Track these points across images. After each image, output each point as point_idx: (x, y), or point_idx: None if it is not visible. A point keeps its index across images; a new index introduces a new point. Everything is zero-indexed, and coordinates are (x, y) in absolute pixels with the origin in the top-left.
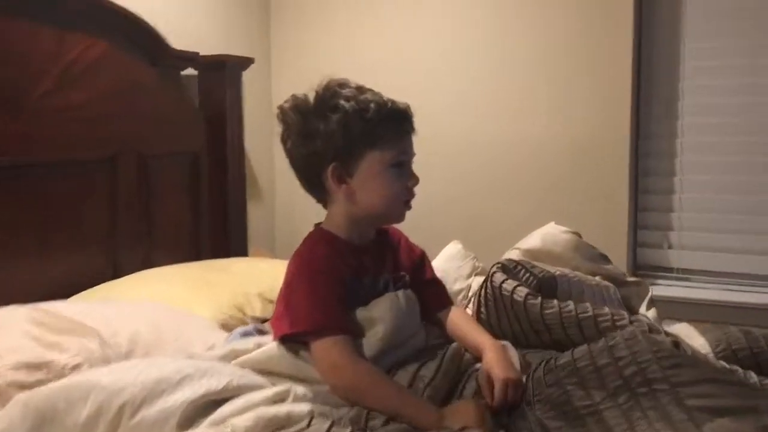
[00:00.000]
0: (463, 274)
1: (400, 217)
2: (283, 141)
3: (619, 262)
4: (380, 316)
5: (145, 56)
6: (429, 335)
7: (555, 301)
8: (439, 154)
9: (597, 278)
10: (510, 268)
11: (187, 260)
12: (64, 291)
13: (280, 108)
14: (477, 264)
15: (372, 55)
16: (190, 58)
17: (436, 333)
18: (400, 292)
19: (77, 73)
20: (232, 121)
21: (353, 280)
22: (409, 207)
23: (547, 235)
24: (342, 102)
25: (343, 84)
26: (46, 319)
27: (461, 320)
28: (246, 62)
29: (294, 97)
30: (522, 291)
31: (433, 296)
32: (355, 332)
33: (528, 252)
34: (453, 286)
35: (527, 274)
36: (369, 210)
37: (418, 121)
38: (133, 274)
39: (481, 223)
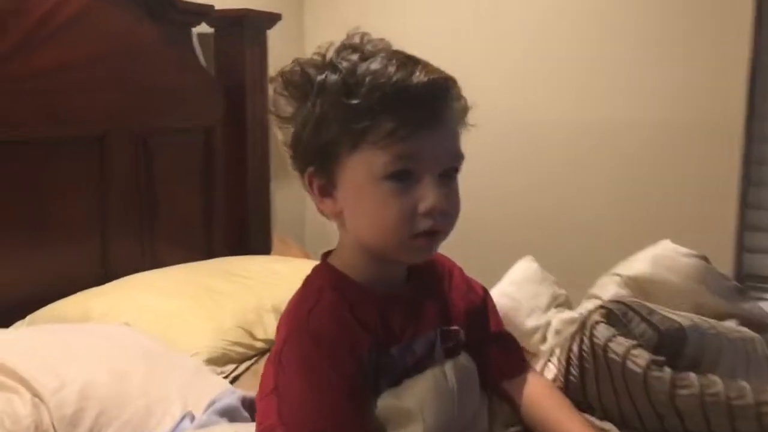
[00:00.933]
0: (540, 305)
1: (409, 258)
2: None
3: (721, 270)
4: (417, 406)
5: (143, 9)
6: (494, 421)
7: (692, 376)
8: (490, 139)
9: (733, 324)
10: (618, 316)
11: (196, 257)
12: (52, 290)
13: (272, 78)
14: (558, 291)
15: (424, 13)
16: (202, 13)
17: (506, 414)
18: (449, 365)
19: (49, 32)
20: (253, 90)
21: (378, 354)
22: (429, 246)
23: (660, 258)
24: (327, 74)
25: (357, 43)
26: None
27: (545, 397)
28: (272, 19)
29: (295, 60)
30: (641, 358)
31: (500, 358)
32: None
33: (633, 282)
34: (525, 321)
35: (643, 325)
36: (361, 241)
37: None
38: (123, 279)
39: (549, 228)
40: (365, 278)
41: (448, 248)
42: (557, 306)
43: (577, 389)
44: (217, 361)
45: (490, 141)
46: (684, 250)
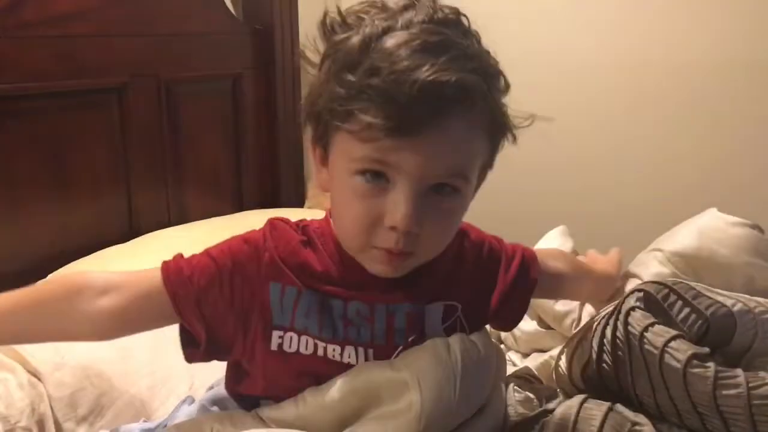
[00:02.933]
0: None
1: (368, 266)
2: None
3: None
4: (413, 376)
5: None
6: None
7: (740, 374)
8: (523, 78)
9: None
10: (657, 300)
11: (225, 209)
12: (78, 246)
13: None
14: None
15: None
16: None
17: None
18: (456, 339)
19: None
20: (282, 32)
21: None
22: (389, 262)
23: (706, 229)
24: (349, 35)
25: (403, 5)
26: None
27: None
28: None
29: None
30: (681, 351)
31: None
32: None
33: (678, 257)
34: (555, 305)
35: (686, 309)
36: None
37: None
38: (144, 237)
39: (585, 193)
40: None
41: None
42: None
43: (611, 378)
44: None
45: (522, 79)
46: (734, 219)
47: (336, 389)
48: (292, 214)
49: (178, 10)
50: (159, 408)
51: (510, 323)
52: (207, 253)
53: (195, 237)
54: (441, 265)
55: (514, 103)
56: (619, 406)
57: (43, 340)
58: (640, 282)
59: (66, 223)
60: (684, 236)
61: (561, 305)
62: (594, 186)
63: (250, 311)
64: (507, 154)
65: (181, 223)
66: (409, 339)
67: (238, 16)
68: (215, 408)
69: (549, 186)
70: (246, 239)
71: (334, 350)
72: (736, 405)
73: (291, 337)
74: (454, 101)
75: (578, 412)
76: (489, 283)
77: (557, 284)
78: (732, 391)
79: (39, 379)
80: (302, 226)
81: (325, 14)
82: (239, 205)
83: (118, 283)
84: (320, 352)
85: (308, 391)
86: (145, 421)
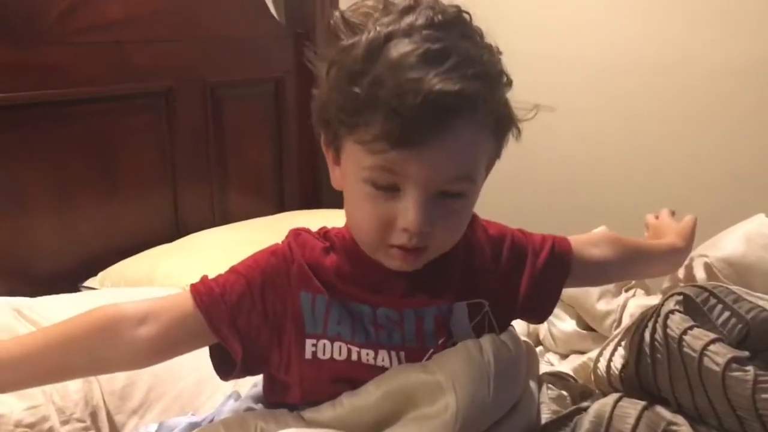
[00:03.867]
0: (610, 288)
1: (385, 263)
2: None
3: None
4: (448, 378)
5: None
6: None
7: None
8: (548, 78)
9: None
10: (697, 304)
11: (267, 210)
12: (125, 245)
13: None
14: None
15: None
16: None
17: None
18: (487, 339)
19: None
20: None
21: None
22: (405, 258)
23: (753, 235)
24: (357, 40)
25: (408, 4)
26: None
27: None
28: None
29: (356, 4)
30: (720, 355)
31: None
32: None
33: (724, 263)
34: (596, 305)
35: (726, 313)
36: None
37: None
38: (190, 237)
39: (622, 193)
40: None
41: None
42: (627, 290)
43: (650, 380)
44: None
45: (577, 84)
46: None
47: (371, 392)
48: (332, 216)
49: (222, 15)
50: (205, 403)
51: (542, 315)
52: (234, 270)
53: (238, 237)
54: (455, 259)
55: (546, 101)
56: (656, 406)
57: (77, 375)
58: (681, 285)
59: (114, 222)
60: (730, 242)
61: (602, 305)
62: (638, 190)
63: (283, 321)
64: (542, 157)
65: (224, 223)
66: (439, 342)
67: (281, 20)
68: (259, 405)
69: (588, 184)
70: (272, 252)
71: (367, 354)
72: None
73: (324, 344)
74: (457, 110)
75: (613, 409)
76: (516, 276)
77: (599, 271)
78: None
79: None
80: (323, 233)
81: (331, 19)
82: (281, 205)
83: (152, 312)
84: (354, 356)
85: (345, 394)
86: (192, 415)
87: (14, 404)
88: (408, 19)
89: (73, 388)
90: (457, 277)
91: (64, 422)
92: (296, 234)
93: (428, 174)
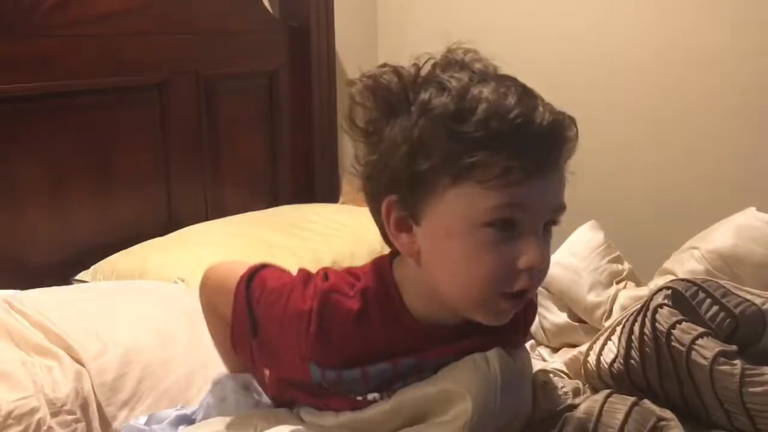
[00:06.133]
0: (602, 280)
1: (488, 319)
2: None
3: None
4: (461, 386)
5: None
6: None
7: (767, 373)
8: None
9: None
10: (686, 298)
11: (261, 204)
12: (118, 238)
13: (351, 82)
14: (621, 267)
15: None
16: None
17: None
18: (493, 353)
19: None
20: (318, 31)
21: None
22: (514, 309)
23: (743, 228)
24: (432, 92)
25: (463, 59)
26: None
27: None
28: None
29: (385, 66)
30: (708, 349)
31: None
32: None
33: (715, 255)
34: (586, 296)
35: (715, 307)
36: (436, 289)
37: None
38: (182, 230)
39: (619, 189)
40: (418, 313)
41: None
42: (618, 281)
43: (639, 374)
44: None
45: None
46: None
47: (377, 412)
48: (326, 209)
49: (216, 8)
50: (196, 395)
51: None
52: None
53: (231, 230)
54: None
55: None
56: (646, 402)
57: None
58: (671, 279)
59: (108, 215)
60: (721, 234)
61: (593, 296)
62: (627, 183)
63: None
64: None
65: (218, 217)
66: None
67: (275, 14)
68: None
69: (580, 182)
70: (293, 315)
71: (374, 397)
72: (763, 402)
73: (331, 389)
74: (567, 138)
75: (602, 405)
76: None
77: None
78: (759, 389)
79: (83, 365)
80: (361, 291)
81: (389, 69)
82: (274, 199)
83: None
84: (360, 398)
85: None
86: (182, 407)
87: (3, 396)
88: (477, 66)
89: (63, 381)
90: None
91: (54, 414)
92: (324, 300)
93: (548, 202)
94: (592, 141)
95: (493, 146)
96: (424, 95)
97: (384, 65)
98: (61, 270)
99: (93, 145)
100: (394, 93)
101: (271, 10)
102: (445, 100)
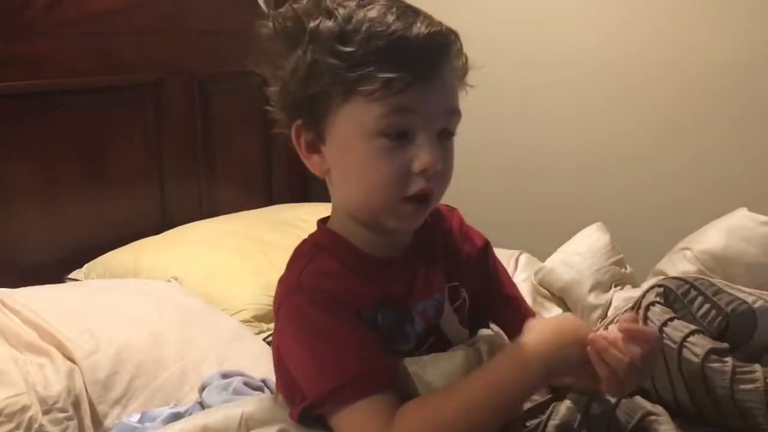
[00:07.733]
0: (603, 282)
1: (396, 224)
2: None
3: None
4: (444, 384)
5: None
6: None
7: (758, 371)
8: (567, 82)
9: None
10: (677, 296)
11: (256, 203)
12: (112, 237)
13: (260, 23)
14: (623, 271)
15: None
16: None
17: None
18: (485, 346)
19: None
20: None
21: (382, 315)
22: (418, 212)
23: (735, 229)
24: (321, 20)
25: None
26: None
27: None
28: None
29: (289, 4)
30: (699, 346)
31: (512, 319)
32: (394, 381)
33: (707, 256)
34: (587, 297)
35: (706, 305)
36: (347, 202)
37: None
38: (176, 229)
39: (613, 192)
40: (363, 242)
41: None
42: (617, 284)
43: None
44: (263, 318)
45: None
46: (764, 218)
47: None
48: (322, 209)
49: (210, 7)
50: (189, 393)
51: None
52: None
53: (224, 229)
54: (436, 239)
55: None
56: (636, 397)
57: None
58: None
59: (101, 214)
60: (713, 235)
61: (592, 298)
62: (625, 185)
63: None
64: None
65: (212, 216)
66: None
67: (269, 12)
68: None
69: (582, 186)
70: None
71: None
72: (753, 399)
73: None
74: (448, 46)
75: (591, 397)
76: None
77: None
78: (749, 386)
79: (75, 363)
80: (312, 246)
81: (290, 7)
82: (269, 198)
83: None
84: None
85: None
86: (174, 405)
87: None
88: None
89: (55, 378)
90: (448, 260)
91: (46, 412)
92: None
93: (436, 108)
94: (591, 141)
95: (374, 61)
96: (314, 23)
97: (288, 4)
98: (54, 268)
99: (87, 144)
100: (292, 27)
101: (265, 9)
102: (331, 25)
